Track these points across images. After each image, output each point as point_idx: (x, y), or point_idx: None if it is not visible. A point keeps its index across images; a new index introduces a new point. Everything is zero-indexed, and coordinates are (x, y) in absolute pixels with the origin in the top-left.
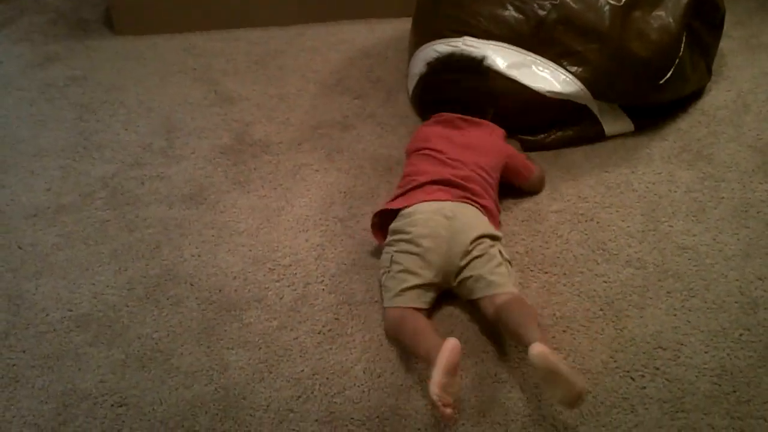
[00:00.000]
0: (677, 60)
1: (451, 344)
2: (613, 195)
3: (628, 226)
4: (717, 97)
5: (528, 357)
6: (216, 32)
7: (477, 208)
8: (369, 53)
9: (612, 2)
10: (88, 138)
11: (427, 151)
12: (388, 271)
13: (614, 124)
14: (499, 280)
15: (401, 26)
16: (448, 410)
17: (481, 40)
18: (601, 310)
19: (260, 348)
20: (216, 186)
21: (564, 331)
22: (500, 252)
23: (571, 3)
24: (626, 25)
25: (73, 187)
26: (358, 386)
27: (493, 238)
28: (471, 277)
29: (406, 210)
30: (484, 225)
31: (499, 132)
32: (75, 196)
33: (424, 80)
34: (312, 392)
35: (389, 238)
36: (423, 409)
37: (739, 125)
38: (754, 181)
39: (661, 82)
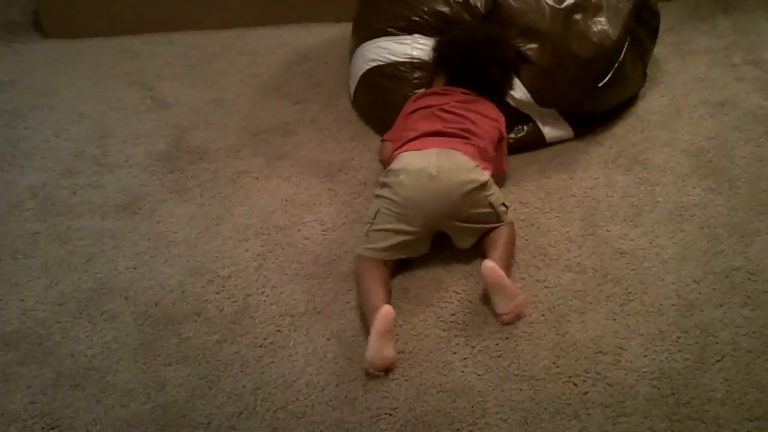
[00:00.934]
0: (617, 64)
1: (384, 311)
2: (552, 200)
3: (568, 231)
4: (651, 102)
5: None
6: (152, 35)
7: (469, 148)
8: (309, 57)
9: (552, 4)
10: (16, 145)
11: (428, 107)
12: (373, 224)
13: (554, 130)
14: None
15: (341, 30)
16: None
17: (432, 39)
18: (543, 315)
19: (200, 363)
20: (152, 195)
21: (507, 338)
22: (490, 201)
23: (512, 2)
24: (567, 26)
25: (0, 198)
26: (302, 400)
27: (482, 186)
28: (463, 229)
29: (395, 165)
30: (470, 174)
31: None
32: (2, 207)
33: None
34: (254, 408)
35: (378, 189)
36: (368, 421)
37: (673, 130)
38: (688, 185)
39: (600, 84)
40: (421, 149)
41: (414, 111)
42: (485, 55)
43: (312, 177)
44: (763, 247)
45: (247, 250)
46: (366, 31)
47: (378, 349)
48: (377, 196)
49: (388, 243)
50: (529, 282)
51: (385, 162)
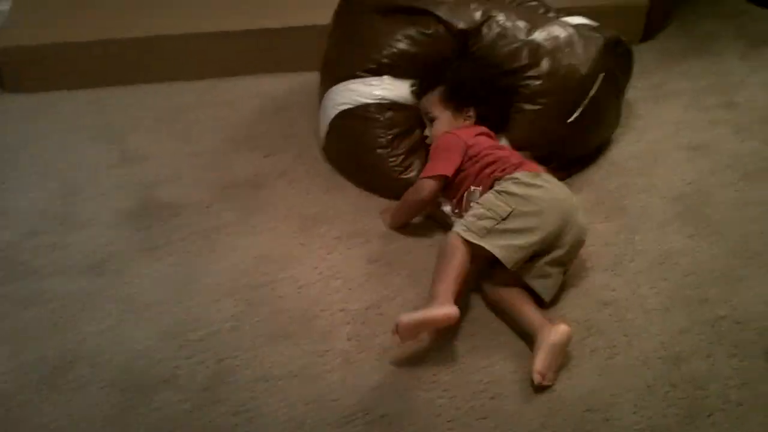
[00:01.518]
0: (587, 99)
1: (452, 312)
2: None
3: None
4: (626, 147)
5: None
6: (120, 87)
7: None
8: (280, 107)
9: (523, 38)
10: None
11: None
12: (496, 218)
13: None
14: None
15: (312, 79)
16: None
17: (400, 80)
18: (529, 372)
19: None
20: (120, 254)
21: (492, 398)
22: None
23: (484, 36)
24: (536, 60)
25: None
26: None
27: None
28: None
29: (522, 178)
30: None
31: None
32: None
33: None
34: None
35: (499, 189)
36: None
37: (650, 175)
38: (668, 232)
39: (570, 120)
40: (530, 171)
41: (473, 141)
42: (506, 89)
43: (285, 232)
44: (748, 295)
45: (219, 311)
46: (334, 75)
47: (416, 327)
48: (498, 192)
49: (514, 243)
50: (512, 337)
51: (430, 199)
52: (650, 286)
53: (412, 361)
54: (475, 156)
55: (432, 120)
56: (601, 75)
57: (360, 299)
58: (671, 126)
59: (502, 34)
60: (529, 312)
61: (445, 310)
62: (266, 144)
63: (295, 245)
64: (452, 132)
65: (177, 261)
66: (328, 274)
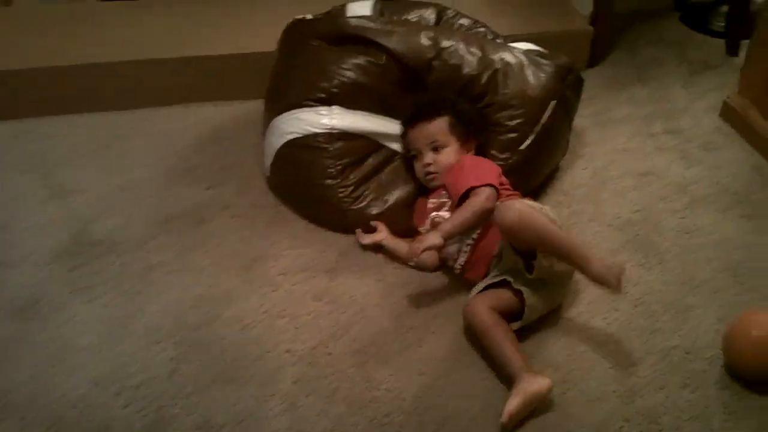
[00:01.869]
0: (539, 126)
1: (548, 385)
2: None
3: None
4: (574, 174)
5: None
6: (50, 118)
7: None
8: (221, 137)
9: (478, 67)
10: None
11: None
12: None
13: None
14: None
15: (254, 107)
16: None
17: (350, 110)
18: (482, 410)
19: None
20: (51, 295)
21: None
22: None
23: (443, 64)
24: (490, 87)
25: None
26: None
27: None
28: None
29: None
30: None
31: None
32: None
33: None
34: None
35: None
36: None
37: (599, 203)
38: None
39: (522, 147)
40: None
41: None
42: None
43: (227, 269)
44: (698, 323)
45: (157, 355)
46: (281, 103)
47: (523, 411)
48: None
49: None
50: (462, 374)
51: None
52: (602, 317)
53: (362, 401)
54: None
55: (438, 148)
56: (553, 102)
57: (306, 338)
58: (618, 152)
59: (456, 65)
60: (512, 350)
61: (542, 382)
62: (206, 176)
63: (238, 283)
64: (479, 157)
65: (112, 302)
66: (273, 312)
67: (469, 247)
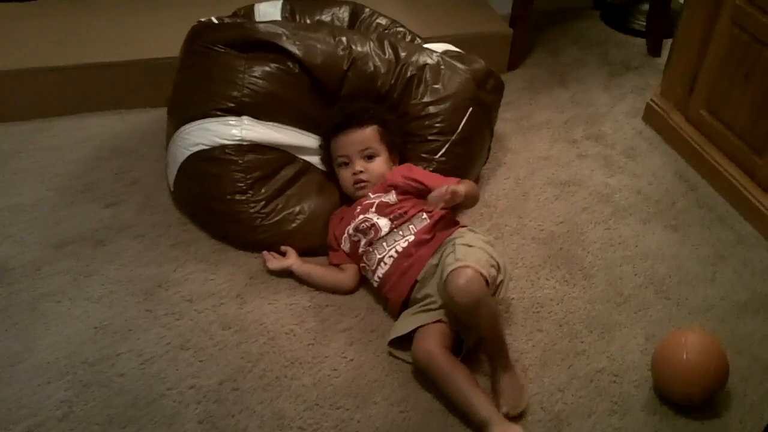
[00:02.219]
0: (454, 135)
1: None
2: None
3: None
4: (496, 184)
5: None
6: None
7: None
8: (121, 150)
9: (393, 72)
10: None
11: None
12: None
13: None
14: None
15: (158, 116)
16: None
17: (261, 121)
18: None
19: None
20: None
21: None
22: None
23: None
24: (406, 94)
25: None
26: None
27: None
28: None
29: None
30: None
31: None
32: None
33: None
34: None
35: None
36: None
37: (521, 215)
38: (541, 278)
39: (437, 156)
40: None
41: None
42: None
43: (127, 296)
44: (624, 343)
45: (49, 396)
46: (186, 113)
47: None
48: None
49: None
50: (384, 406)
51: None
52: (526, 338)
53: None
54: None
55: (372, 156)
56: (470, 110)
57: (212, 373)
58: (540, 160)
59: (371, 75)
60: (479, 396)
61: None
62: (105, 193)
63: (139, 312)
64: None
65: None
66: (177, 344)
67: (391, 259)
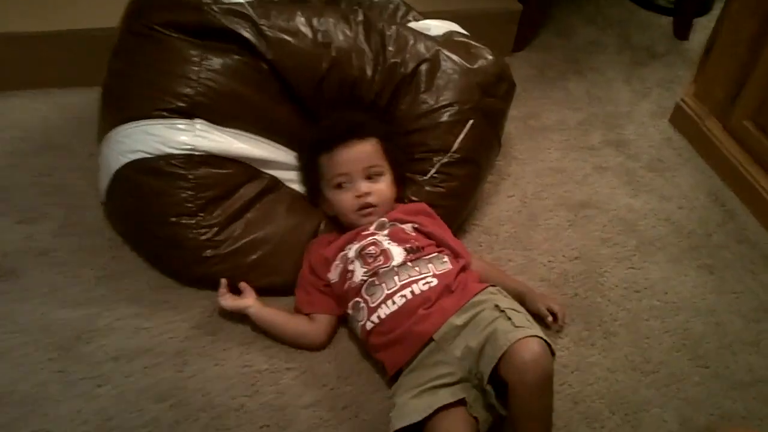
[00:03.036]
0: (448, 154)
1: None
2: None
3: None
4: (499, 204)
5: None
6: None
7: None
8: (48, 143)
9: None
10: None
11: None
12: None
13: None
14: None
15: (87, 99)
16: None
17: (218, 126)
18: None
19: None
20: None
21: None
22: None
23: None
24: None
25: None
26: None
27: None
28: None
29: None
30: None
31: None
32: None
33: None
34: None
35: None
36: None
37: (528, 246)
38: (552, 334)
39: (425, 177)
40: None
41: None
42: None
43: (38, 352)
44: (654, 430)
45: None
46: (123, 110)
47: None
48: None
49: None
50: None
51: None
52: None
53: None
54: None
55: (375, 175)
56: (469, 123)
57: None
58: (552, 173)
59: (354, 78)
60: None
61: None
62: (20, 203)
63: (50, 374)
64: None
65: None
66: (96, 423)
67: (403, 300)
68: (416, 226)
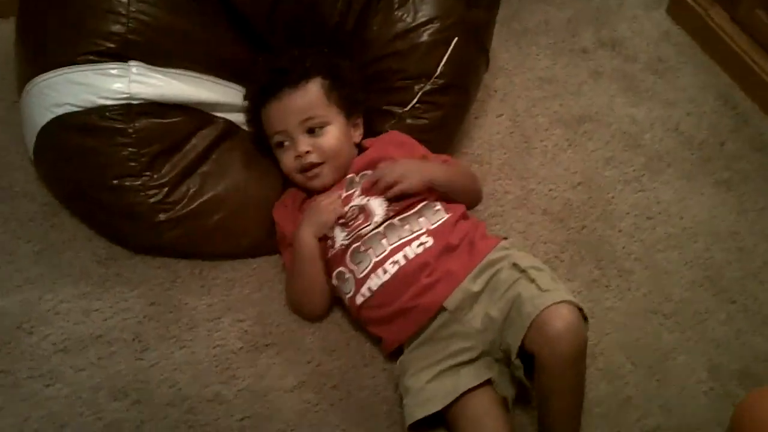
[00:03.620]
0: (430, 81)
1: None
2: None
3: None
4: (488, 127)
5: None
6: None
7: None
8: None
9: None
10: None
11: None
12: None
13: None
14: None
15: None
16: None
17: (158, 68)
18: None
19: None
20: None
21: None
22: None
23: None
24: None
25: None
26: None
27: None
28: None
29: None
30: None
31: None
32: None
33: None
34: None
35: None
36: None
37: (525, 175)
38: (561, 277)
39: (406, 108)
40: None
41: None
42: None
43: None
44: (682, 381)
45: None
46: (43, 57)
47: None
48: None
49: None
50: None
51: None
52: None
53: None
54: None
55: (316, 127)
56: (454, 41)
57: None
58: (543, 84)
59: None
60: None
61: None
62: None
63: None
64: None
65: None
66: (41, 429)
67: (396, 267)
68: None
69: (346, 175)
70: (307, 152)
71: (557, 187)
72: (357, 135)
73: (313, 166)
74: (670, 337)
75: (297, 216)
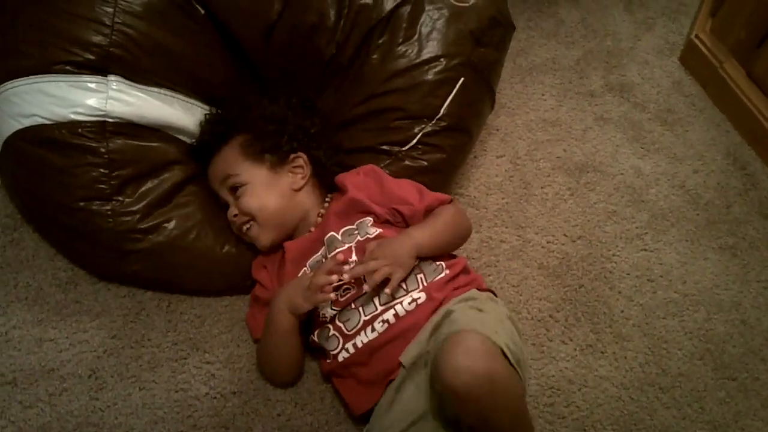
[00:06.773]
0: (432, 121)
1: None
2: None
3: None
4: (487, 168)
5: None
6: None
7: None
8: None
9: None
10: None
11: None
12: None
13: None
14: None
15: None
16: None
17: (138, 86)
18: None
19: None
20: None
21: None
22: None
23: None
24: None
25: None
26: None
27: None
28: None
29: None
30: None
31: None
32: None
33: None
34: None
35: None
36: None
37: (521, 223)
38: (554, 338)
39: (405, 148)
40: None
41: None
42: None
43: None
44: None
45: None
46: (13, 60)
47: None
48: None
49: None
50: None
51: None
52: None
53: None
54: None
55: (239, 186)
56: (460, 81)
57: None
58: (545, 126)
59: (310, 25)
60: None
61: None
62: None
63: None
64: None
65: None
66: None
67: (385, 326)
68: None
69: (304, 221)
70: (235, 215)
71: (556, 239)
72: (298, 180)
73: (243, 224)
74: (666, 415)
75: (277, 273)
